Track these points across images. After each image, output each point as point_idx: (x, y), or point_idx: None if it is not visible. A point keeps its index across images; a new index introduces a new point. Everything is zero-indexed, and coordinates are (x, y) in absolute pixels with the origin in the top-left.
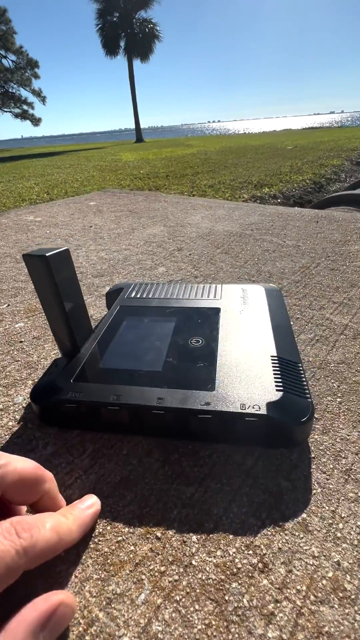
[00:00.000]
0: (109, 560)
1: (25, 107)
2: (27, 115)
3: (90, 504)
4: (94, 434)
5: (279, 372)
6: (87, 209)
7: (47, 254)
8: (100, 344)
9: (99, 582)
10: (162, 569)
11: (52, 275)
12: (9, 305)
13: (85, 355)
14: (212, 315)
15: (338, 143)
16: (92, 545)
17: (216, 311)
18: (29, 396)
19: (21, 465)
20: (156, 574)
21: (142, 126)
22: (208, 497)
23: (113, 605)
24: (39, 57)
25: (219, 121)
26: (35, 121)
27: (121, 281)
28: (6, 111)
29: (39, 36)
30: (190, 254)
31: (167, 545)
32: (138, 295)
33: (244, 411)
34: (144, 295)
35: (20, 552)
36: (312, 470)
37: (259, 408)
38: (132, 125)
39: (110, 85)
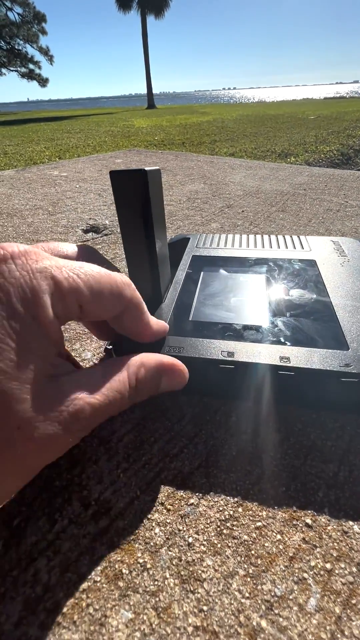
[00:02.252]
0: (252, 552)
1: (31, 66)
2: (34, 75)
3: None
4: (187, 396)
5: None
6: (114, 166)
7: (146, 169)
8: (184, 294)
9: (249, 580)
10: (328, 566)
11: (148, 197)
12: None
13: (170, 305)
14: (308, 267)
15: None
16: (225, 532)
17: (311, 263)
18: (99, 351)
19: (96, 267)
20: (321, 572)
21: (153, 91)
22: (357, 477)
23: (277, 612)
24: (43, 11)
25: (234, 88)
26: (43, 82)
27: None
28: (12, 70)
29: None
30: (242, 211)
31: (324, 536)
32: (208, 245)
33: None
34: (216, 246)
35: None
36: None
37: None
38: (141, 91)
39: (119, 48)
